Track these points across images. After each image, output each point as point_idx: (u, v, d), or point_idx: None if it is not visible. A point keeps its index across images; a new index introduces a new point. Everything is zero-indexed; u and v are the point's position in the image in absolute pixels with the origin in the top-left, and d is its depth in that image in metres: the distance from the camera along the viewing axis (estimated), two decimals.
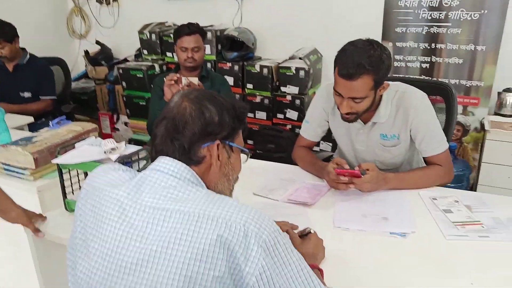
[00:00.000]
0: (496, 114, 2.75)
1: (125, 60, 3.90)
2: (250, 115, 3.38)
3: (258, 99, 3.30)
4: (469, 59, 2.75)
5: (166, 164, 0.87)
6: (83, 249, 0.84)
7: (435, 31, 2.81)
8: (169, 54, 3.57)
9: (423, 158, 1.65)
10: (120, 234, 0.80)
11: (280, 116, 3.28)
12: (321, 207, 1.43)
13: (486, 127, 2.61)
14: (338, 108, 1.54)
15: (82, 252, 0.84)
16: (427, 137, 1.56)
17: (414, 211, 1.38)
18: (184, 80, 2.22)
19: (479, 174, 2.68)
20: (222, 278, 0.74)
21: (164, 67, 3.57)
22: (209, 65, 3.36)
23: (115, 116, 4.01)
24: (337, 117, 1.69)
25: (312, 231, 1.15)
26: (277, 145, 3.26)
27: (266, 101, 3.28)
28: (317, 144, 3.09)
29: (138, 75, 3.50)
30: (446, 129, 1.93)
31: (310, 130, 1.78)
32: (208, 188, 0.92)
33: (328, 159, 2.10)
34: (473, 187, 2.82)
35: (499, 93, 2.72)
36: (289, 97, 3.17)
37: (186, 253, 0.74)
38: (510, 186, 2.53)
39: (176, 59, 3.46)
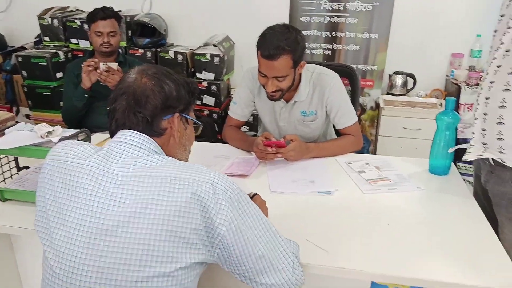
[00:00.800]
0: (388, 93, 3.15)
1: (23, 47, 3.61)
2: None
3: None
4: (365, 46, 3.11)
5: (130, 136, 0.93)
6: (58, 219, 0.87)
7: (335, 21, 3.11)
8: (74, 40, 3.40)
9: (337, 130, 1.88)
10: (97, 201, 0.84)
11: (197, 102, 3.34)
12: (256, 177, 1.57)
13: (381, 105, 2.99)
14: (264, 88, 1.69)
15: (57, 223, 0.87)
16: (340, 112, 1.79)
17: (334, 174, 1.59)
18: (102, 66, 2.20)
19: (377, 146, 3.06)
20: (198, 229, 0.84)
21: (70, 54, 3.40)
22: (119, 51, 3.28)
23: (14, 109, 3.70)
24: (262, 97, 1.85)
25: (256, 193, 1.28)
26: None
27: None
28: None
29: (40, 63, 3.28)
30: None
31: (238, 111, 1.91)
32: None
33: None
34: None
35: (390, 76, 3.12)
36: (205, 83, 3.25)
37: (165, 211, 0.82)
38: (402, 154, 2.92)
39: (82, 45, 3.35)
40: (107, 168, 0.88)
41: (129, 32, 3.32)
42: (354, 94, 2.20)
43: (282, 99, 1.79)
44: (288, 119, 1.85)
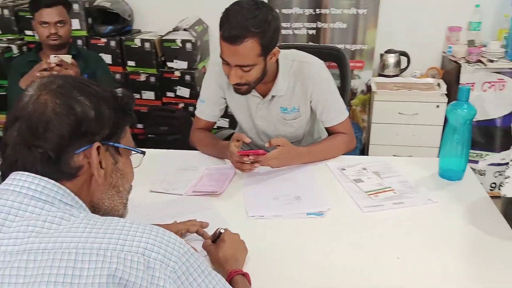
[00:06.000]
0: (380, 75, 2.86)
1: None
2: (136, 95, 3.06)
3: (142, 78, 2.99)
4: (352, 23, 2.79)
5: (24, 181, 0.63)
6: None
7: None
8: (28, 32, 3.02)
9: (325, 128, 1.59)
10: None
11: (170, 94, 3.03)
12: (231, 195, 1.29)
13: (373, 88, 2.70)
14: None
15: None
16: (327, 107, 1.50)
17: (325, 185, 1.31)
18: (53, 58, 1.84)
19: (370, 134, 2.79)
20: None
21: (24, 48, 3.03)
22: (79, 42, 2.93)
23: None
24: (234, 92, 1.54)
25: (222, 230, 1.00)
26: (170, 126, 3.01)
27: (153, 79, 2.99)
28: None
29: None
30: (342, 95, 1.90)
31: (206, 110, 1.60)
32: (92, 207, 0.71)
33: (228, 139, 1.96)
34: (365, 148, 2.95)
35: (381, 55, 2.82)
36: (177, 73, 2.92)
37: None
38: (398, 142, 2.68)
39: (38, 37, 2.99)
40: None
41: (89, 20, 2.96)
42: (344, 80, 1.91)
43: (257, 94, 1.49)
44: (266, 117, 1.55)
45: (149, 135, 3.10)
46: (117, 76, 3.01)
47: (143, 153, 0.81)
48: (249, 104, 1.55)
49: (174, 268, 0.59)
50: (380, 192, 1.24)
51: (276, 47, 1.36)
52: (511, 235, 1.04)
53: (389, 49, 2.79)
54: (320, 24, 2.85)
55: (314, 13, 2.83)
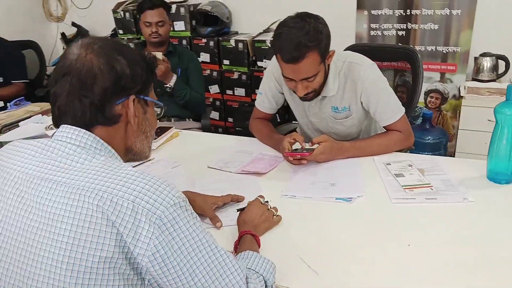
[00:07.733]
0: (474, 79, 2.69)
1: None
2: (229, 92, 3.33)
3: (235, 75, 3.25)
4: (445, 24, 2.68)
5: (67, 132, 0.80)
6: None
7: None
8: None
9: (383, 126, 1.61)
10: (10, 210, 0.75)
11: None
12: (275, 178, 1.40)
13: (462, 93, 2.56)
14: (294, 92, 1.49)
15: None
16: (379, 108, 1.51)
17: (365, 176, 1.35)
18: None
19: (456, 141, 2.64)
20: (112, 259, 0.69)
21: (140, 46, 3.50)
22: (184, 42, 3.30)
23: None
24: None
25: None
26: None
27: (244, 77, 3.23)
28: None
29: None
30: (412, 95, 1.90)
31: (264, 102, 1.72)
32: (126, 149, 0.87)
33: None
34: (452, 155, 2.79)
35: (475, 58, 2.65)
36: None
37: (70, 232, 0.69)
38: (487, 152, 2.49)
39: None
40: (28, 169, 0.77)
41: (193, 22, 3.31)
42: (416, 79, 1.89)
43: None
44: (319, 115, 1.62)
45: (237, 128, 3.35)
46: (214, 74, 3.31)
47: (164, 105, 0.95)
48: (303, 102, 1.63)
49: (160, 216, 0.69)
50: (416, 188, 1.25)
51: (331, 50, 1.43)
52: None
53: (484, 52, 2.61)
54: (410, 25, 2.78)
55: (404, 14, 2.78)
